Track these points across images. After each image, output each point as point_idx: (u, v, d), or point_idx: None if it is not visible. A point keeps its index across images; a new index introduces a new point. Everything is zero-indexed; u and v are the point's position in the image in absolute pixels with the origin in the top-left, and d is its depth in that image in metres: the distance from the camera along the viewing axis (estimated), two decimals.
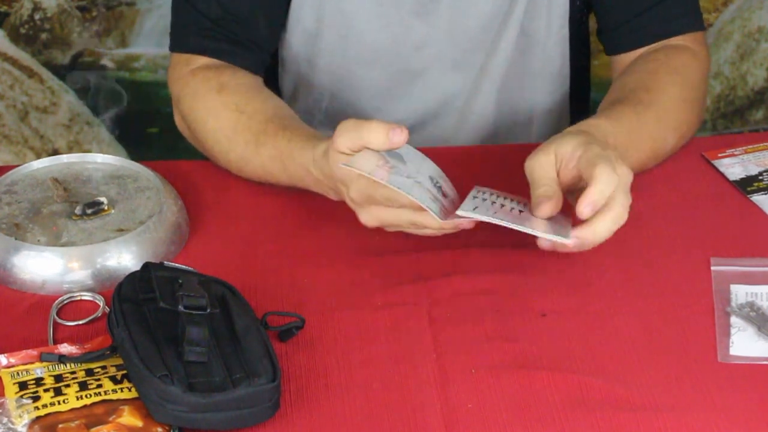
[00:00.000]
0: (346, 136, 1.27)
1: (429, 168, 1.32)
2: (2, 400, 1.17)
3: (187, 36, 1.55)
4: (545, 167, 1.29)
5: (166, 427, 1.14)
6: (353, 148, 1.27)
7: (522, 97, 1.68)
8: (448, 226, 1.28)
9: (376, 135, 1.26)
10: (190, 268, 1.29)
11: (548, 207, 1.27)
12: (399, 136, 1.25)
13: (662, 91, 1.49)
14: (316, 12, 1.59)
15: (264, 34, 1.57)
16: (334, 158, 1.29)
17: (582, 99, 1.76)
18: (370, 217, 1.29)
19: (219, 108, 1.47)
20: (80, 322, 1.29)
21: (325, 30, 1.60)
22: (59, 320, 1.29)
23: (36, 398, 1.16)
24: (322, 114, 1.69)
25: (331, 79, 1.65)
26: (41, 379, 1.19)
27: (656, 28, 1.55)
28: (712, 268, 1.36)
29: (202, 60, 1.53)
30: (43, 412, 1.15)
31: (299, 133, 1.39)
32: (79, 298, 1.32)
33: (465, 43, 1.62)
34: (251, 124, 1.43)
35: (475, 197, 1.31)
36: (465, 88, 1.66)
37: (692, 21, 1.57)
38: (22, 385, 1.18)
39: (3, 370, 1.20)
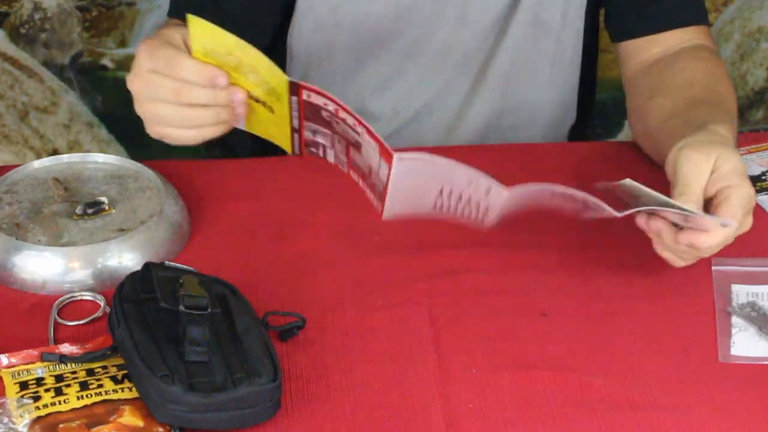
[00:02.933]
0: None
1: None
2: (3, 400, 1.17)
3: (176, 4, 1.55)
4: (699, 171, 1.27)
5: (167, 427, 1.14)
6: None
7: (530, 86, 1.66)
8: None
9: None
10: (190, 268, 1.29)
11: (703, 241, 1.26)
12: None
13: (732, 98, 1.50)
14: (330, 1, 1.59)
15: (262, 14, 1.56)
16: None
17: (588, 94, 1.75)
18: (139, 76, 1.27)
19: None
20: (81, 322, 1.29)
21: (342, 18, 1.60)
22: (60, 320, 1.29)
23: (37, 398, 1.16)
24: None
25: (343, 68, 1.64)
26: (42, 379, 1.19)
27: (667, 17, 1.55)
28: (713, 267, 1.36)
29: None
30: (43, 412, 1.15)
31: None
32: (79, 297, 1.32)
33: (477, 29, 1.61)
34: None
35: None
36: (472, 73, 1.65)
37: (701, 14, 1.58)
38: (23, 385, 1.18)
39: (4, 370, 1.20)
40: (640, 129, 1.54)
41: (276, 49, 1.66)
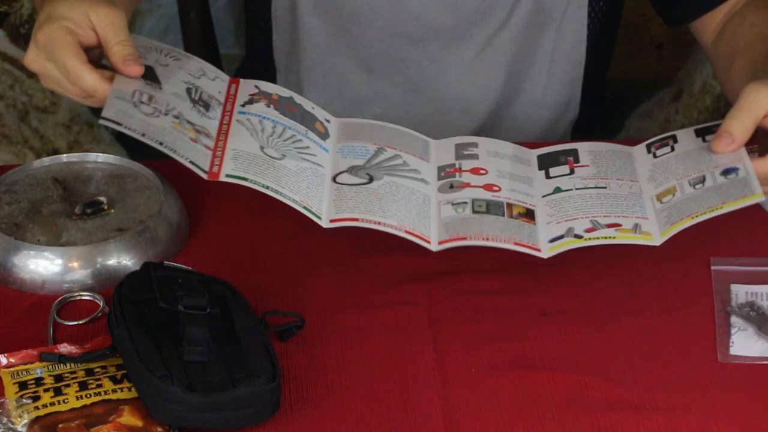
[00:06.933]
0: (109, 28, 1.24)
1: (180, 74, 1.30)
2: (2, 400, 1.17)
3: None
4: (759, 101, 1.25)
5: (166, 427, 1.14)
6: (93, 29, 1.25)
7: (531, 75, 1.66)
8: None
9: (114, 53, 1.25)
10: (189, 268, 1.29)
11: (725, 147, 1.25)
12: (133, 68, 1.24)
13: None
14: None
15: None
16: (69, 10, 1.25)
17: (596, 88, 1.74)
18: (36, 62, 1.26)
19: None
20: (80, 322, 1.29)
21: None
22: (59, 320, 1.29)
23: (36, 398, 1.16)
24: (315, 79, 1.67)
25: (325, 41, 1.63)
26: (41, 378, 1.19)
27: None
28: (712, 267, 1.36)
29: None
30: (42, 412, 1.15)
31: None
32: (78, 297, 1.32)
33: (469, 15, 1.60)
34: None
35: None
36: (467, 60, 1.63)
37: None
38: (22, 385, 1.18)
39: (3, 370, 1.20)
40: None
41: (261, 21, 1.66)
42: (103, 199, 1.40)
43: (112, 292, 1.23)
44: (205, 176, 1.23)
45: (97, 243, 1.34)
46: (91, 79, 1.24)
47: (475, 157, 1.36)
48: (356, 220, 1.25)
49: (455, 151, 1.38)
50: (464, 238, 1.26)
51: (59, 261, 1.32)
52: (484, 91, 1.66)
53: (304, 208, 1.25)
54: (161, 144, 1.22)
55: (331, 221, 1.26)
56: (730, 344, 1.26)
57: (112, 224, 1.38)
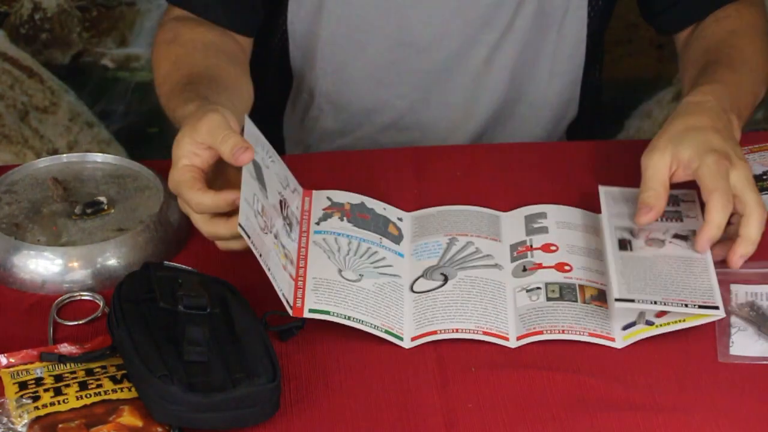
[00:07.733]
0: (209, 136, 1.26)
1: (276, 182, 1.31)
2: (2, 400, 1.17)
3: None
4: (659, 168, 1.33)
5: (166, 427, 1.14)
6: (202, 144, 1.27)
7: (534, 77, 1.66)
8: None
9: (223, 152, 1.26)
10: (189, 268, 1.29)
11: (648, 218, 1.31)
12: (243, 156, 1.24)
13: (747, 47, 1.52)
14: None
15: None
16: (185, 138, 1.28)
17: (593, 88, 1.74)
18: (185, 212, 1.30)
19: (163, 58, 1.50)
20: (80, 322, 1.29)
21: (326, 3, 1.60)
22: (59, 320, 1.29)
23: (36, 398, 1.16)
24: (326, 88, 1.67)
25: (334, 51, 1.64)
26: (41, 378, 1.19)
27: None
28: None
29: (179, 11, 1.55)
30: (43, 412, 1.15)
31: (190, 95, 1.38)
32: (79, 297, 1.32)
33: (475, 20, 1.60)
34: (177, 77, 1.44)
35: None
36: (475, 66, 1.64)
37: None
38: (22, 385, 1.18)
39: (3, 370, 1.20)
40: None
41: (277, 34, 1.66)
42: (103, 199, 1.40)
43: (112, 292, 1.23)
44: (290, 312, 1.24)
45: (97, 243, 1.34)
46: (208, 199, 1.26)
47: (544, 230, 1.37)
48: (435, 333, 1.26)
49: (525, 224, 1.38)
50: (541, 332, 1.26)
51: (59, 261, 1.32)
52: (488, 95, 1.66)
53: (386, 332, 1.25)
54: (269, 270, 1.23)
55: (413, 339, 1.26)
56: (730, 344, 1.26)
57: (112, 224, 1.38)
